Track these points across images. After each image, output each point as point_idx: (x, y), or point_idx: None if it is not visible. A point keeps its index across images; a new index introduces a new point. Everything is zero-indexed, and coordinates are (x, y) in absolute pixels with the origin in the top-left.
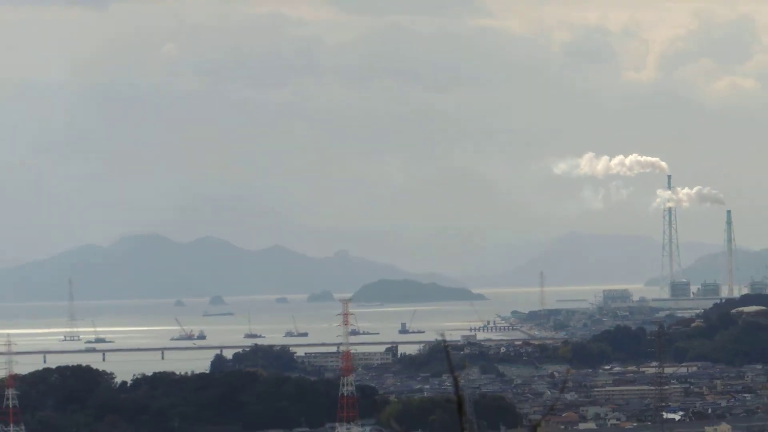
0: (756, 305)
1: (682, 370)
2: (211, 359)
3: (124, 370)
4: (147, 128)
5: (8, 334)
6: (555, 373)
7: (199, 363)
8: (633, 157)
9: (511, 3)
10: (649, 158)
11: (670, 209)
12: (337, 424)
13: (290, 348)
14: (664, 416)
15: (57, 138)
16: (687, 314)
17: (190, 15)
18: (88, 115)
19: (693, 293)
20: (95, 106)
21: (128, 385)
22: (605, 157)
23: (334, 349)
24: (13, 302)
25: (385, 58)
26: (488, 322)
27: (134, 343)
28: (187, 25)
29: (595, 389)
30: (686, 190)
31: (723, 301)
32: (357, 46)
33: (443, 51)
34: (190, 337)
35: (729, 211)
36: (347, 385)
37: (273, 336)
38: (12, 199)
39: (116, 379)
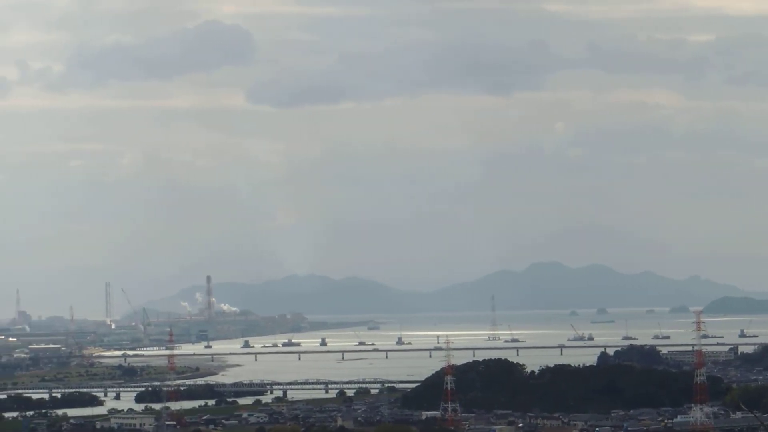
0: None
1: None
2: (598, 355)
3: (532, 362)
4: (531, 181)
5: (447, 335)
6: None
7: (588, 358)
8: None
9: None
10: None
11: None
12: (692, 405)
13: (657, 347)
14: None
15: (465, 190)
16: None
17: (574, 101)
18: (491, 174)
19: None
20: (493, 167)
21: (536, 373)
22: None
23: (689, 348)
24: (449, 312)
25: (718, 132)
26: None
27: (540, 342)
28: (572, 108)
29: None
30: None
31: None
32: (698, 123)
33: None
34: (582, 338)
35: None
36: (700, 375)
37: (644, 338)
38: (439, 237)
39: (527, 369)
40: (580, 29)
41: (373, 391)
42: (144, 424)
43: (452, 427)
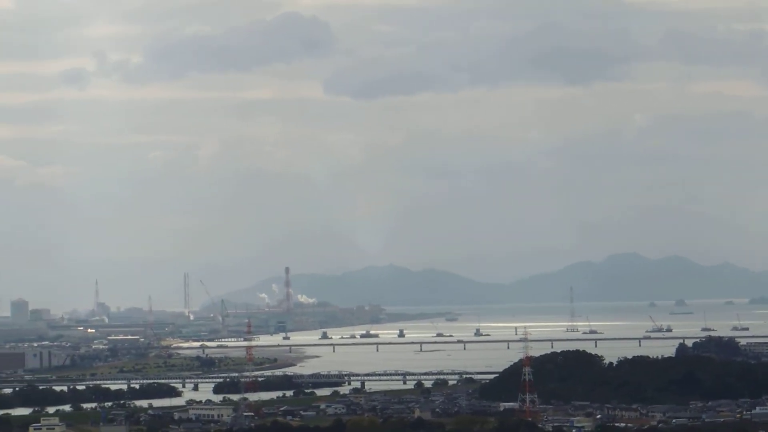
0: None
1: None
2: (676, 347)
3: (611, 354)
4: (609, 172)
5: (525, 327)
6: None
7: (666, 350)
8: None
9: None
10: None
11: None
12: None
13: (735, 339)
14: None
15: (543, 181)
16: None
17: (652, 91)
18: (570, 165)
19: None
20: (571, 158)
21: (614, 365)
22: None
23: None
24: (528, 303)
25: None
26: None
27: (618, 333)
28: (650, 99)
29: None
30: None
31: None
32: None
33: None
34: (660, 330)
35: None
36: None
37: (722, 330)
38: (518, 228)
39: (605, 361)
40: (658, 19)
41: (450, 383)
42: (222, 415)
43: (530, 419)
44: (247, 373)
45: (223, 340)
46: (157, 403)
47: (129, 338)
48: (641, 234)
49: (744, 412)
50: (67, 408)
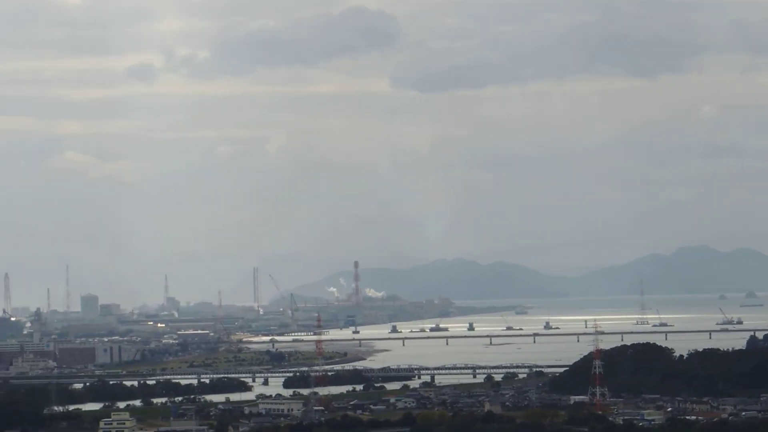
0: None
1: None
2: (747, 339)
3: (680, 346)
4: (677, 165)
5: (595, 320)
6: None
7: (737, 342)
8: None
9: None
10: None
11: None
12: None
13: None
14: None
15: (611, 173)
16: None
17: (719, 82)
18: (638, 157)
19: None
20: (639, 150)
21: (684, 357)
22: None
23: None
24: (597, 296)
25: None
26: None
27: (688, 326)
28: (717, 90)
29: None
30: None
31: None
32: None
33: None
34: (730, 322)
35: None
36: None
37: None
38: (586, 221)
39: (675, 353)
40: (724, 10)
41: (520, 376)
42: (292, 410)
43: (600, 412)
44: (317, 368)
45: (292, 334)
46: (228, 397)
47: (199, 333)
48: (710, 226)
49: None
50: (137, 403)
